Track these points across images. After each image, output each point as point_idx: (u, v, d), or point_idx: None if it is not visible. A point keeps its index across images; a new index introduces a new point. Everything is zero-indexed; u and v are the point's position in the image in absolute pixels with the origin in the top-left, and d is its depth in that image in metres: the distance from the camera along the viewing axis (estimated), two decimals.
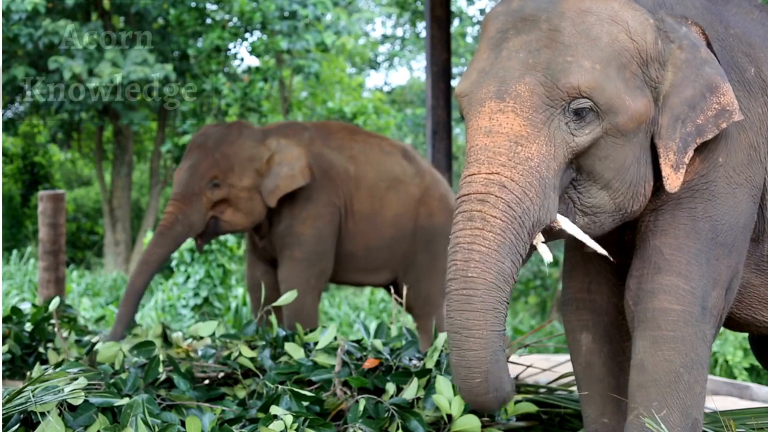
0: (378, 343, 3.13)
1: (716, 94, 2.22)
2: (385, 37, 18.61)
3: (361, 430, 2.65)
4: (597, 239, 2.23)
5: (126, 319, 4.63)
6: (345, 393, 2.93)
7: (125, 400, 2.58)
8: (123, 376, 2.85)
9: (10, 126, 13.45)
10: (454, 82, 15.83)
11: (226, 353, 3.23)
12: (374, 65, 18.83)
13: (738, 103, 2.30)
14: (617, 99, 2.12)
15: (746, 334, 7.43)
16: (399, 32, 18.26)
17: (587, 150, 2.14)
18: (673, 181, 2.19)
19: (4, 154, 14.47)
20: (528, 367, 3.26)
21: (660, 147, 2.20)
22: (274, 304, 3.52)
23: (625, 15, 2.16)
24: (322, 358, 3.09)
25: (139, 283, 4.72)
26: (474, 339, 2.04)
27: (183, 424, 2.63)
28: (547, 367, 3.37)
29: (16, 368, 3.53)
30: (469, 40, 16.28)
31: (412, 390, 2.83)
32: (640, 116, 2.16)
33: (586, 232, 2.20)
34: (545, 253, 2.15)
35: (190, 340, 3.43)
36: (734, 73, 2.35)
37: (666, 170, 2.19)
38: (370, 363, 3.00)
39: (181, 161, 4.92)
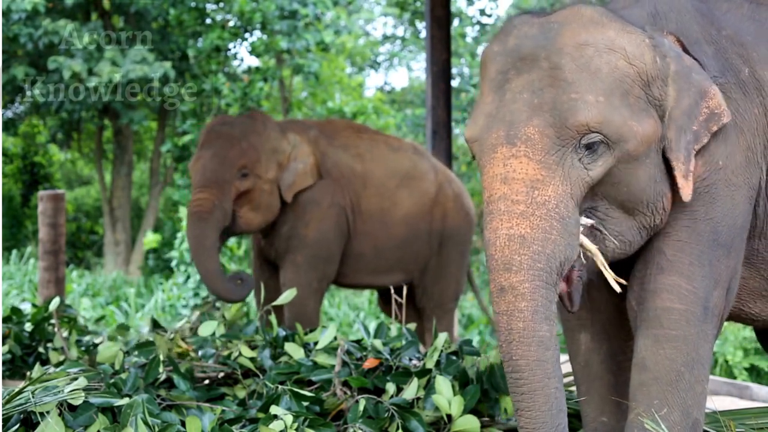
0: (378, 343, 3.13)
1: (705, 98, 2.25)
2: (385, 37, 18.61)
3: (361, 430, 2.65)
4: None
5: (225, 286, 4.52)
6: (345, 393, 2.93)
7: (125, 400, 2.58)
8: (123, 376, 2.85)
9: (10, 126, 13.45)
10: (454, 83, 15.85)
11: (226, 353, 3.23)
12: (374, 65, 18.83)
13: (735, 105, 2.33)
14: (625, 127, 2.14)
15: (747, 335, 7.44)
16: (399, 32, 18.27)
17: (602, 179, 2.17)
18: (685, 190, 2.22)
19: (4, 154, 14.47)
20: None
21: (672, 160, 2.23)
22: (275, 303, 3.51)
23: (622, 41, 2.17)
24: (322, 358, 3.10)
25: (215, 264, 4.56)
26: (525, 419, 2.12)
27: (183, 424, 2.63)
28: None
29: (16, 368, 3.53)
30: (468, 40, 16.28)
31: (412, 390, 2.83)
32: (648, 138, 2.18)
33: (619, 255, 2.26)
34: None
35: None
36: (730, 75, 2.37)
37: (679, 180, 2.22)
38: (370, 363, 3.00)
39: (198, 150, 4.74)
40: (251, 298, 8.67)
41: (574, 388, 2.96)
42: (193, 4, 12.25)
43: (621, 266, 2.43)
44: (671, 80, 2.22)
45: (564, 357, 3.45)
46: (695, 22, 2.38)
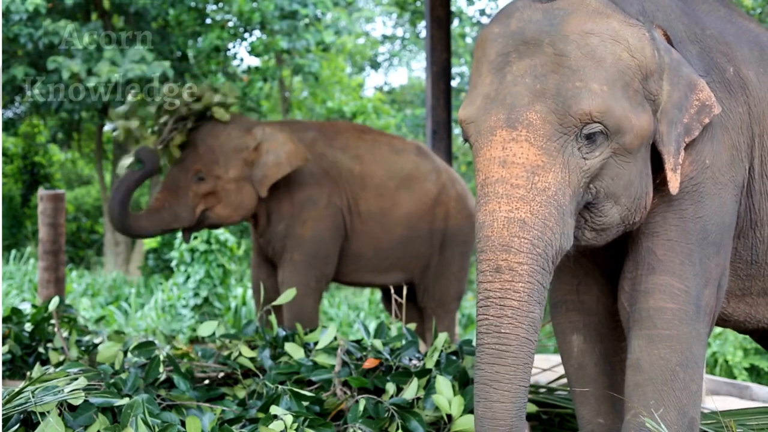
0: (378, 343, 3.13)
1: (695, 91, 2.25)
2: (385, 37, 18.62)
3: (361, 430, 2.65)
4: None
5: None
6: (345, 393, 2.93)
7: (125, 400, 2.58)
8: (123, 376, 2.85)
9: (10, 126, 13.45)
10: (454, 83, 15.85)
11: (226, 353, 3.23)
12: (375, 65, 18.84)
13: (720, 104, 2.33)
14: (625, 119, 2.14)
15: (747, 335, 7.44)
16: (399, 32, 18.27)
17: (597, 171, 2.16)
18: (673, 183, 2.22)
19: (4, 154, 14.47)
20: None
21: (663, 153, 2.23)
22: (274, 303, 3.52)
23: (625, 33, 2.17)
24: (322, 358, 3.09)
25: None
26: (503, 392, 2.09)
27: (183, 424, 2.63)
28: (547, 367, 3.37)
29: (16, 368, 3.52)
30: (468, 40, 16.28)
31: (412, 390, 2.83)
32: (643, 133, 2.18)
33: (591, 244, 2.26)
34: None
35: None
36: (715, 73, 2.38)
37: (668, 173, 2.22)
38: (370, 363, 3.00)
39: None
40: (250, 299, 8.66)
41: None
42: (192, 4, 12.25)
43: (612, 266, 2.44)
44: (665, 74, 2.23)
45: (558, 359, 3.46)
46: (680, 22, 2.39)
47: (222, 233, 8.33)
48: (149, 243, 11.13)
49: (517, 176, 2.09)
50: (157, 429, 2.50)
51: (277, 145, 4.72)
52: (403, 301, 3.37)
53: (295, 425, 2.56)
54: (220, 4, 12.68)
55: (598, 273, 2.51)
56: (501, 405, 2.08)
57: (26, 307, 4.15)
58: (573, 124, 2.11)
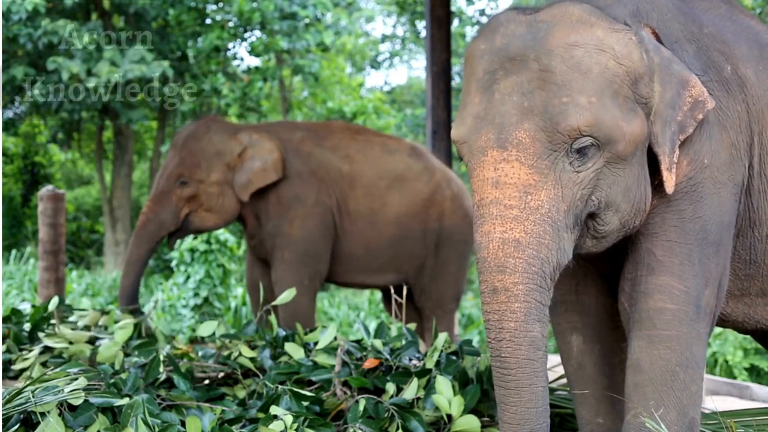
0: (378, 343, 3.13)
1: (687, 88, 2.24)
2: (385, 37, 18.62)
3: (361, 430, 2.65)
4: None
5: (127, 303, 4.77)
6: (345, 393, 2.93)
7: (125, 400, 2.58)
8: (123, 376, 2.85)
9: (10, 126, 13.44)
10: (454, 83, 15.86)
11: (226, 353, 3.23)
12: (375, 65, 18.84)
13: (717, 103, 2.34)
14: (615, 128, 2.13)
15: (746, 335, 7.44)
16: (399, 32, 18.28)
17: (593, 181, 2.16)
18: (669, 182, 2.22)
19: (4, 154, 14.47)
20: None
21: (659, 154, 2.23)
22: (273, 303, 3.52)
23: (610, 40, 2.16)
24: (322, 358, 3.10)
25: (127, 282, 4.81)
26: (510, 414, 2.13)
27: (183, 424, 2.63)
28: (547, 367, 3.37)
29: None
30: (468, 40, 16.29)
31: (412, 390, 2.83)
32: (636, 138, 2.18)
33: (592, 251, 2.27)
34: None
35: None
36: (713, 72, 2.37)
37: (664, 173, 2.22)
38: (370, 363, 3.00)
39: None
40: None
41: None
42: (192, 4, 12.25)
43: (611, 267, 2.44)
44: (656, 75, 2.22)
45: (557, 359, 3.46)
46: (676, 21, 2.38)
47: (222, 233, 8.33)
48: None
49: (510, 197, 2.10)
50: (157, 429, 2.50)
51: (264, 152, 4.75)
52: (404, 302, 3.37)
53: (295, 425, 2.56)
54: (220, 4, 12.68)
55: (596, 274, 2.51)
56: (510, 427, 2.13)
57: (26, 307, 4.14)
58: (562, 141, 2.11)
